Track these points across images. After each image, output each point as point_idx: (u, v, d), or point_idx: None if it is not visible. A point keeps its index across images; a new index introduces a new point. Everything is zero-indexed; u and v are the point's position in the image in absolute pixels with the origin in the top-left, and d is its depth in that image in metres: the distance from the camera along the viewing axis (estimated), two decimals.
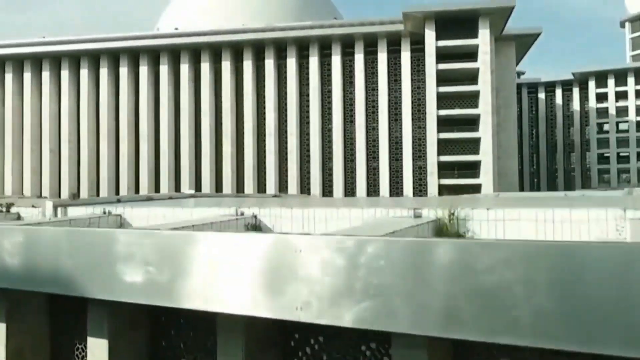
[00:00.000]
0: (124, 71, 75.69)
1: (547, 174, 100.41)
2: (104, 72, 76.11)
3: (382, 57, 69.52)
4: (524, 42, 71.88)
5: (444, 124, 62.38)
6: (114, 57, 76.64)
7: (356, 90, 70.34)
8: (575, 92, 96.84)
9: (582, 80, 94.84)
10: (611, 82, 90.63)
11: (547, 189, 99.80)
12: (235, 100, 73.68)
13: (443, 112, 61.74)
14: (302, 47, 72.14)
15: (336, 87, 70.76)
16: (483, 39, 60.79)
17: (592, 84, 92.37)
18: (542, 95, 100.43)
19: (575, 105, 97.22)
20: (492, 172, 59.83)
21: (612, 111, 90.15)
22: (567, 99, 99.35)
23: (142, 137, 74.61)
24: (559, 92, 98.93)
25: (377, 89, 70.11)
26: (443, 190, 61.18)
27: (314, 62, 71.15)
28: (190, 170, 73.50)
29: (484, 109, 60.28)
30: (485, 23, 60.78)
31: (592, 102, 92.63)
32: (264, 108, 72.84)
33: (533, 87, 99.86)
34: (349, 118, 71.42)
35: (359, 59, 70.23)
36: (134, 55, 76.22)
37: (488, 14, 60.49)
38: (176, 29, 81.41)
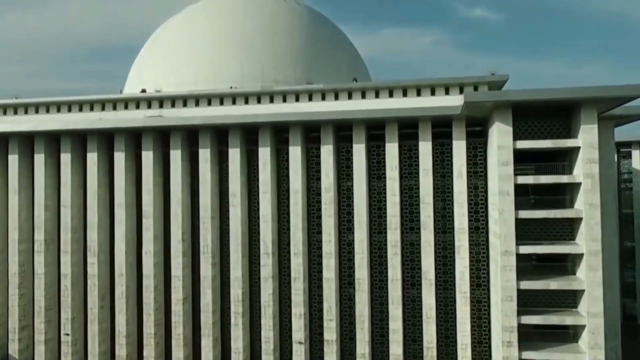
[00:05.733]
0: (66, 157, 55.07)
1: (620, 256, 79.21)
2: (39, 158, 55.51)
3: (425, 147, 48.69)
4: (624, 120, 51.06)
5: (520, 258, 41.63)
6: (53, 137, 56.12)
7: (388, 189, 49.61)
8: None
9: None
10: None
11: (621, 279, 78.84)
12: (218, 202, 53.05)
13: (525, 249, 40.90)
14: (311, 127, 51.42)
15: (359, 184, 50.03)
16: (587, 140, 39.81)
17: None
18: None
19: None
20: (604, 347, 39.10)
21: None
22: None
23: (91, 249, 54.09)
24: (636, 154, 77.89)
25: (417, 190, 49.43)
26: None
27: (327, 150, 50.40)
28: (157, 300, 53.01)
29: (591, 247, 39.37)
30: (591, 116, 39.77)
31: None
32: (257, 214, 52.20)
33: None
34: (377, 228, 50.74)
35: (392, 147, 49.44)
36: (80, 137, 55.70)
37: (596, 102, 39.55)
38: (143, 90, 61.30)
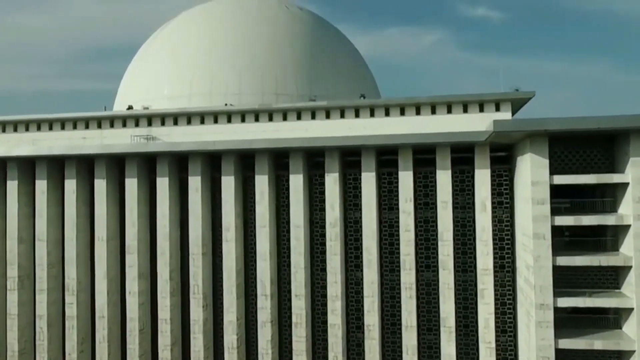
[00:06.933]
0: (41, 184, 49.53)
1: None
2: (12, 185, 50.02)
3: (444, 177, 42.88)
4: None
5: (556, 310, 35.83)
6: (28, 161, 50.63)
7: (401, 225, 43.81)
8: None
9: None
10: None
11: None
12: (210, 237, 47.43)
13: (564, 302, 35.04)
14: (314, 151, 45.69)
15: (368, 217, 44.27)
16: (638, 174, 33.91)
17: None
18: None
19: None
20: None
21: None
22: None
23: (69, 288, 48.60)
24: None
25: (434, 223, 43.70)
26: None
27: (332, 178, 44.68)
28: (142, 346, 47.42)
29: None
30: None
31: None
32: (254, 250, 46.48)
33: None
34: (389, 266, 45.06)
35: (406, 177, 43.64)
36: (57, 161, 50.18)
37: None
38: (129, 107, 55.88)
